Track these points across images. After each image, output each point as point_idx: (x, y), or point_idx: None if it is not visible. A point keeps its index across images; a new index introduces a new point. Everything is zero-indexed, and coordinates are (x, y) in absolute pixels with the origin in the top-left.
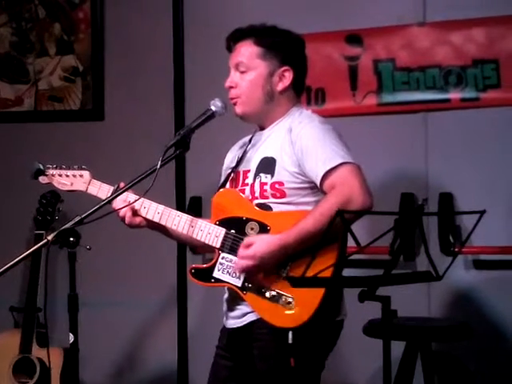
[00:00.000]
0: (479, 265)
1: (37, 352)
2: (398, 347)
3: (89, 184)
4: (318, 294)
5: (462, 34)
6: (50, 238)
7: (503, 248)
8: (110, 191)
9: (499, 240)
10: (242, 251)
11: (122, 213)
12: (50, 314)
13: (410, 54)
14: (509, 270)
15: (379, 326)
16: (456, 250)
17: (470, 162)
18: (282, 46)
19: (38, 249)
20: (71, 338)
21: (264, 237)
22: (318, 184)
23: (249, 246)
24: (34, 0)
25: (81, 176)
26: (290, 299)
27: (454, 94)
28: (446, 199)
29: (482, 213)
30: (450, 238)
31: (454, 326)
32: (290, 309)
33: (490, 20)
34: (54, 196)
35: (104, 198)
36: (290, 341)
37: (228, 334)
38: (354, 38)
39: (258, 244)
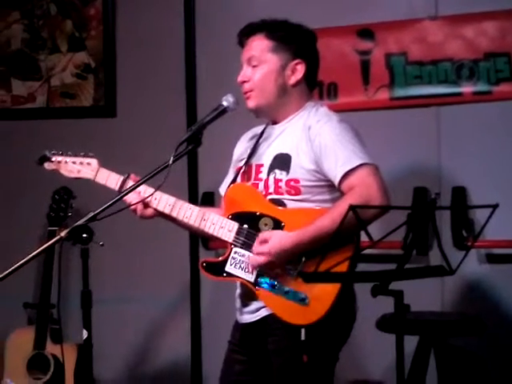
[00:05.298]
0: (492, 259)
1: (51, 348)
2: (411, 342)
3: (97, 172)
4: (332, 291)
5: (474, 28)
6: (62, 234)
7: None
8: (120, 181)
9: None
10: (257, 247)
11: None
12: (63, 310)
13: (422, 47)
14: None
15: (392, 320)
16: (469, 244)
17: (482, 155)
18: (294, 40)
19: (51, 245)
20: (85, 334)
21: (280, 233)
22: (337, 184)
23: (264, 241)
24: None
25: (88, 164)
26: (303, 296)
27: (467, 88)
28: (459, 193)
29: (494, 207)
30: (463, 232)
31: (468, 320)
32: (304, 306)
33: (502, 13)
34: (66, 192)
35: (113, 187)
36: (303, 337)
37: (242, 329)
38: (365, 33)
39: (274, 240)
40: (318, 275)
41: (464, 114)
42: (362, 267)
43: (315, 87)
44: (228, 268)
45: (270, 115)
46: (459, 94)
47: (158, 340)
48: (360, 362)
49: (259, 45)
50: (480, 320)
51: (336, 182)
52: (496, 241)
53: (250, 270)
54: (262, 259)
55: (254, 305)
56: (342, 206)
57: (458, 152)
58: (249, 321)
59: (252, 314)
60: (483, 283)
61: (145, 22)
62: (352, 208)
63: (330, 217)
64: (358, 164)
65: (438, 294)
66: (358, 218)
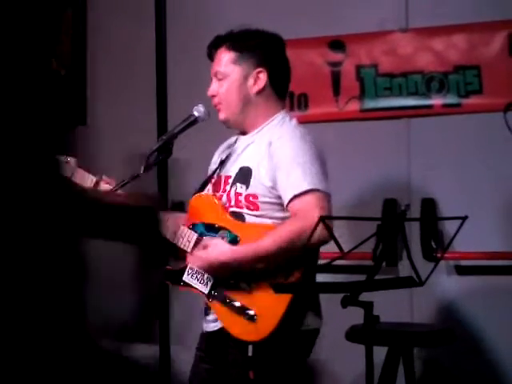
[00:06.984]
0: (461, 270)
1: None
2: (380, 352)
3: (74, 172)
4: (279, 309)
5: (444, 40)
6: None
7: (485, 253)
8: (94, 181)
9: (481, 245)
10: (197, 249)
11: None
12: None
13: (393, 59)
14: (491, 275)
15: (362, 331)
16: (438, 255)
17: (452, 167)
18: (256, 48)
19: None
20: None
21: (220, 244)
22: (285, 205)
23: (205, 247)
24: None
25: (67, 162)
26: (252, 313)
27: (437, 100)
28: (429, 205)
29: (463, 218)
30: (433, 243)
31: (437, 331)
32: (252, 323)
33: (472, 26)
34: None
35: (85, 186)
36: (250, 353)
37: (206, 337)
38: (336, 44)
39: (212, 249)
40: (288, 286)
41: (434, 126)
42: (332, 278)
43: (285, 95)
44: (185, 277)
45: (239, 126)
46: (429, 107)
47: (126, 346)
48: (329, 373)
49: (223, 57)
50: (449, 331)
51: (284, 202)
52: (465, 252)
53: (205, 281)
54: (197, 263)
55: (213, 315)
56: (282, 230)
57: (428, 164)
58: (210, 330)
59: (212, 323)
60: (452, 294)
61: (115, 30)
62: (322, 219)
63: (272, 238)
64: (306, 189)
65: (407, 305)
66: (327, 228)
